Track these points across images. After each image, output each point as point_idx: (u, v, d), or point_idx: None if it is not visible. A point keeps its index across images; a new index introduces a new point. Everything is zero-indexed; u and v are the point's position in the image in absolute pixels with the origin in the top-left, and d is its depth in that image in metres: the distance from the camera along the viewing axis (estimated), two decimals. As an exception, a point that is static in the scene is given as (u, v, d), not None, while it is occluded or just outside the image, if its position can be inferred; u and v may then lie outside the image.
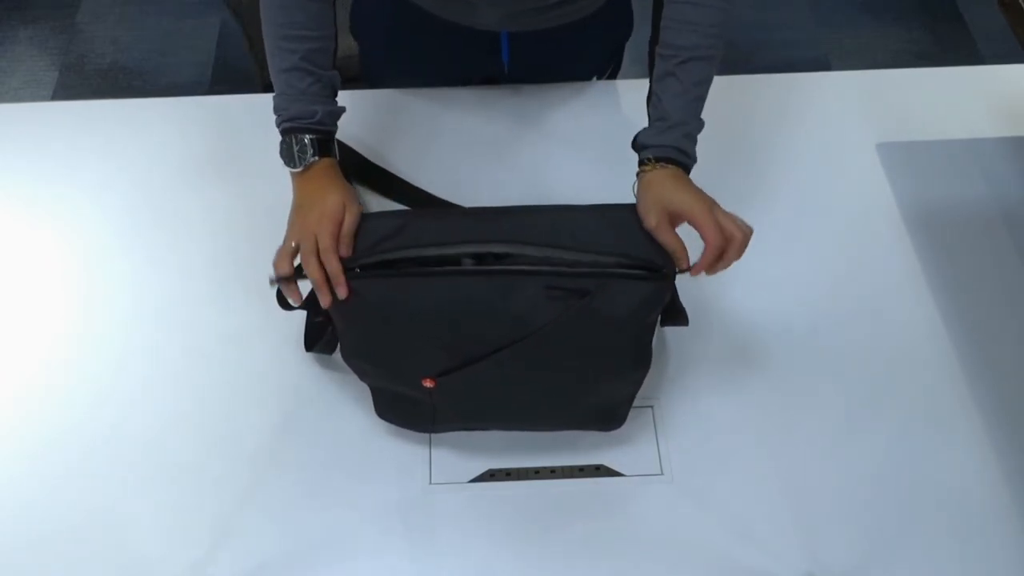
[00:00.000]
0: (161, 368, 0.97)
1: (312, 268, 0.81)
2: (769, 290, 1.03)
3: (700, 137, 0.90)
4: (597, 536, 0.87)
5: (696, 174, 0.88)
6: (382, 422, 0.92)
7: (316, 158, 0.89)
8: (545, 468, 0.92)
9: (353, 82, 1.14)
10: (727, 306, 1.02)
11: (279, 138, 0.91)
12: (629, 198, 0.86)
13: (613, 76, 1.26)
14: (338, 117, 0.94)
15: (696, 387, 0.96)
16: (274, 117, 0.92)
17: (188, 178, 1.12)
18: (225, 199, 1.10)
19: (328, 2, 0.93)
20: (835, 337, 1.00)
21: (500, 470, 0.91)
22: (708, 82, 0.90)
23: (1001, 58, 2.32)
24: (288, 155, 0.90)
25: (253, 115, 1.17)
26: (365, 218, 0.84)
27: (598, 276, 0.79)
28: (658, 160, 0.86)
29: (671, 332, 0.98)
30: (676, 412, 0.95)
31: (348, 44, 1.22)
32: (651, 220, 0.82)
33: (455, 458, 0.92)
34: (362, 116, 1.16)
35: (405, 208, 1.08)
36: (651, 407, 0.95)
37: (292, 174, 0.91)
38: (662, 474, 0.91)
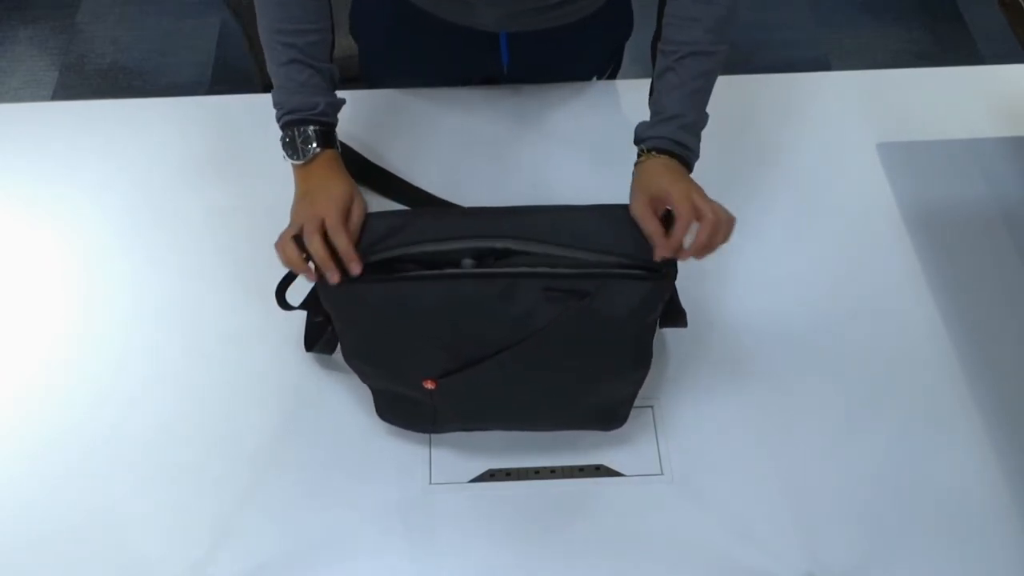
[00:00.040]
0: (161, 368, 0.97)
1: (316, 246, 0.80)
2: (769, 290, 1.03)
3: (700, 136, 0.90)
4: (597, 536, 0.87)
5: (697, 174, 0.89)
6: (382, 422, 0.92)
7: (319, 149, 0.89)
8: (545, 468, 0.92)
9: (353, 82, 1.14)
10: (727, 306, 1.02)
11: (279, 137, 0.91)
12: (629, 198, 0.86)
13: (613, 76, 1.26)
14: (339, 109, 0.94)
15: (696, 387, 0.96)
16: (274, 113, 0.92)
17: (188, 178, 1.12)
18: (225, 199, 1.10)
19: None
20: (835, 337, 1.00)
21: (500, 470, 0.91)
22: (709, 76, 0.90)
23: (1001, 58, 2.33)
24: (291, 148, 0.90)
25: (253, 115, 1.17)
26: (365, 217, 0.85)
27: (598, 276, 0.79)
28: (652, 151, 0.87)
29: (671, 332, 0.98)
30: (676, 412, 0.95)
31: (348, 44, 1.22)
32: (635, 206, 0.82)
33: (455, 458, 0.92)
34: (362, 116, 1.16)
35: (405, 208, 1.08)
36: (651, 407, 0.95)
37: (295, 167, 0.90)
38: (662, 474, 0.91)
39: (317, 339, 0.94)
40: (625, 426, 0.91)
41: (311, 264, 0.81)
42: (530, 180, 1.12)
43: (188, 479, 0.90)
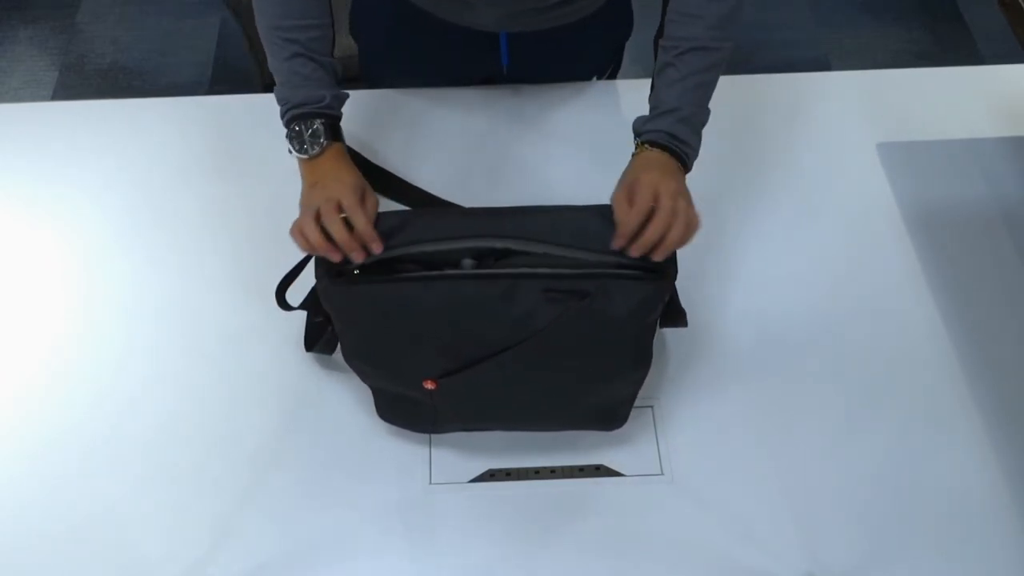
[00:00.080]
0: (161, 368, 0.97)
1: (337, 226, 0.79)
2: (769, 290, 1.03)
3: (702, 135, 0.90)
4: (597, 536, 0.87)
5: (697, 174, 0.88)
6: (382, 422, 0.92)
7: (328, 142, 0.89)
8: (545, 468, 0.92)
9: (353, 82, 1.14)
10: (727, 306, 1.02)
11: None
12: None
13: (613, 76, 1.26)
14: (343, 102, 0.94)
15: (696, 387, 0.96)
16: (277, 110, 0.91)
17: (188, 178, 1.12)
18: (225, 199, 1.10)
19: None
20: (835, 337, 1.00)
21: (500, 470, 0.91)
22: (709, 71, 0.89)
23: (1001, 58, 2.33)
24: (299, 142, 0.89)
25: (253, 115, 1.17)
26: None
27: (598, 277, 0.79)
28: (646, 145, 0.87)
29: (671, 332, 0.98)
30: (676, 412, 0.95)
31: (348, 44, 1.22)
32: (614, 196, 0.82)
33: (455, 458, 0.92)
34: (362, 116, 1.16)
35: (405, 208, 1.08)
36: (651, 407, 0.95)
37: (301, 161, 0.90)
38: (662, 474, 0.91)
39: (317, 339, 0.94)
40: (625, 426, 0.91)
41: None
42: (530, 180, 1.12)
43: (188, 479, 0.90)
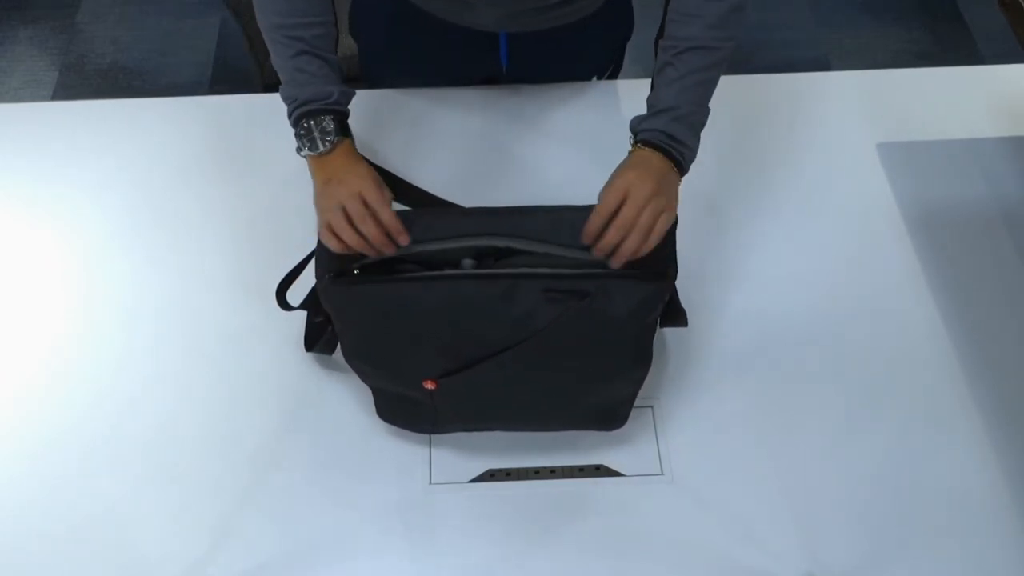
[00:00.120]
0: (161, 368, 0.97)
1: (370, 225, 0.80)
2: (769, 290, 1.03)
3: (701, 136, 0.89)
4: (597, 536, 0.87)
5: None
6: (382, 422, 0.92)
7: (339, 138, 0.89)
8: (545, 468, 0.92)
9: (353, 82, 1.14)
10: (727, 306, 1.02)
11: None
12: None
13: (614, 76, 1.26)
14: (350, 99, 0.93)
15: (696, 387, 0.96)
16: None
17: (188, 178, 1.12)
18: (225, 199, 1.10)
19: None
20: (835, 337, 1.00)
21: (500, 470, 0.91)
22: (709, 70, 0.88)
23: (1001, 58, 2.32)
24: (309, 139, 0.89)
25: (253, 115, 1.17)
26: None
27: (598, 277, 0.79)
28: (639, 144, 0.86)
29: (671, 332, 0.98)
30: (676, 412, 0.95)
31: (348, 44, 1.22)
32: (600, 194, 0.81)
33: (455, 458, 0.92)
34: (362, 116, 1.16)
35: (405, 208, 1.08)
36: (651, 407, 0.95)
37: (312, 159, 0.89)
38: (662, 474, 0.91)
39: (317, 339, 0.94)
40: (625, 426, 0.91)
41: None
42: (530, 180, 1.12)
43: (188, 479, 0.90)
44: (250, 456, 0.91)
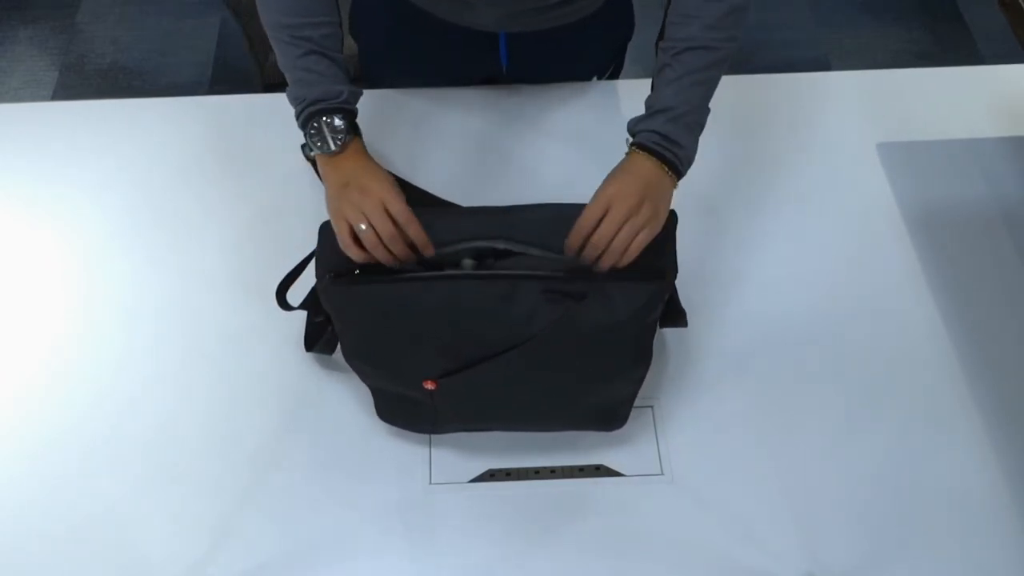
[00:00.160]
0: (161, 368, 0.97)
1: (399, 246, 0.80)
2: (769, 290, 1.03)
3: (701, 136, 0.89)
4: (597, 536, 0.87)
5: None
6: (382, 422, 0.92)
7: (349, 137, 0.88)
8: (545, 468, 0.92)
9: (353, 82, 1.14)
10: (727, 306, 1.02)
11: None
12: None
13: (614, 76, 1.26)
14: (359, 98, 0.93)
15: (696, 387, 0.96)
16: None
17: (188, 178, 1.12)
18: (225, 199, 1.10)
19: None
20: (835, 337, 1.00)
21: (500, 470, 0.91)
22: (707, 71, 0.87)
23: (1001, 58, 2.33)
24: (320, 139, 0.88)
25: (253, 115, 1.17)
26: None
27: (597, 278, 0.79)
28: (635, 147, 0.85)
29: (671, 332, 0.98)
30: (676, 412, 0.95)
31: (348, 44, 1.21)
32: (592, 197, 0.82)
33: (455, 458, 0.92)
34: (362, 116, 1.15)
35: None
36: (651, 407, 0.95)
37: (322, 159, 0.89)
38: (662, 474, 0.91)
39: (317, 339, 0.94)
40: (625, 426, 0.91)
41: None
42: (530, 180, 1.12)
43: (188, 479, 0.90)
44: (250, 456, 0.91)
